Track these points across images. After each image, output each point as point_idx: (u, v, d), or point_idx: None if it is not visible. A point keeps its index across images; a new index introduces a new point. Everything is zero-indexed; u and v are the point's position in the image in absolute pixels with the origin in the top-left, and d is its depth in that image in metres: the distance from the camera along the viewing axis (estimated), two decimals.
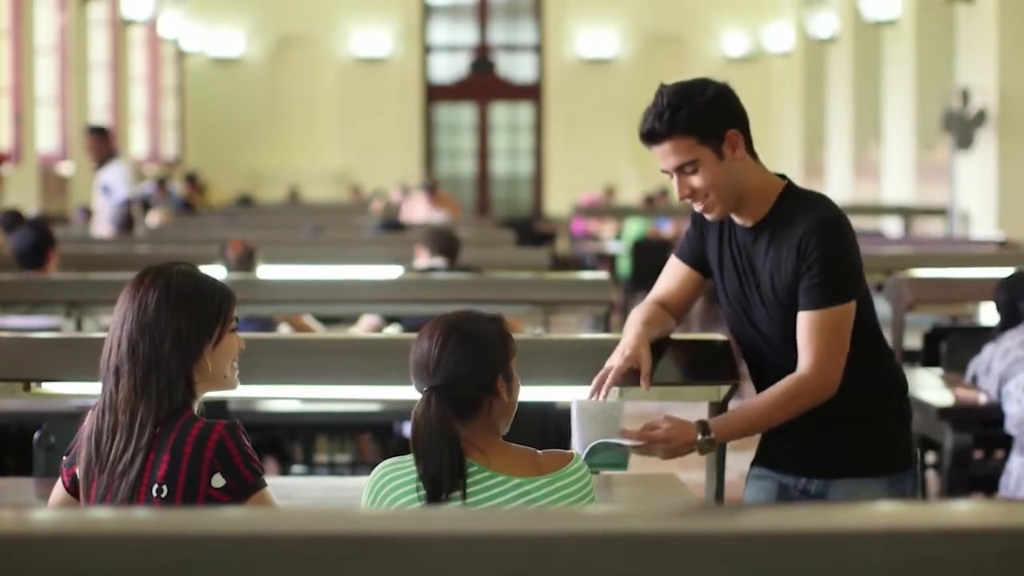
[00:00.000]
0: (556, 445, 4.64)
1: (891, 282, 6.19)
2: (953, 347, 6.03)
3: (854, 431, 3.37)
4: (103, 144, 11.51)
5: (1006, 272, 5.58)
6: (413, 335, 3.05)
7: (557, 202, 21.94)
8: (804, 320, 3.28)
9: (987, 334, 5.58)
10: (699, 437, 3.24)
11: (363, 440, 6.91)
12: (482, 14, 23.10)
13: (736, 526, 1.39)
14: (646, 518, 1.45)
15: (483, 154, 23.18)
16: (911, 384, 5.89)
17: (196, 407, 2.92)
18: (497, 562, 1.31)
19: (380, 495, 2.93)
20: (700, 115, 3.26)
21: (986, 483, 5.64)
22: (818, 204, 3.34)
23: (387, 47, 22.66)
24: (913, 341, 6.41)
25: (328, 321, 7.32)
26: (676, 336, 3.52)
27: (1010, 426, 5.20)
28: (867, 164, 17.93)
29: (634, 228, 14.85)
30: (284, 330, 6.54)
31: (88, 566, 1.31)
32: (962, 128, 13.43)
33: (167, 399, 2.87)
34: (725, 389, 3.51)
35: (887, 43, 16.83)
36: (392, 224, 10.50)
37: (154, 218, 12.92)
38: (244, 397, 4.56)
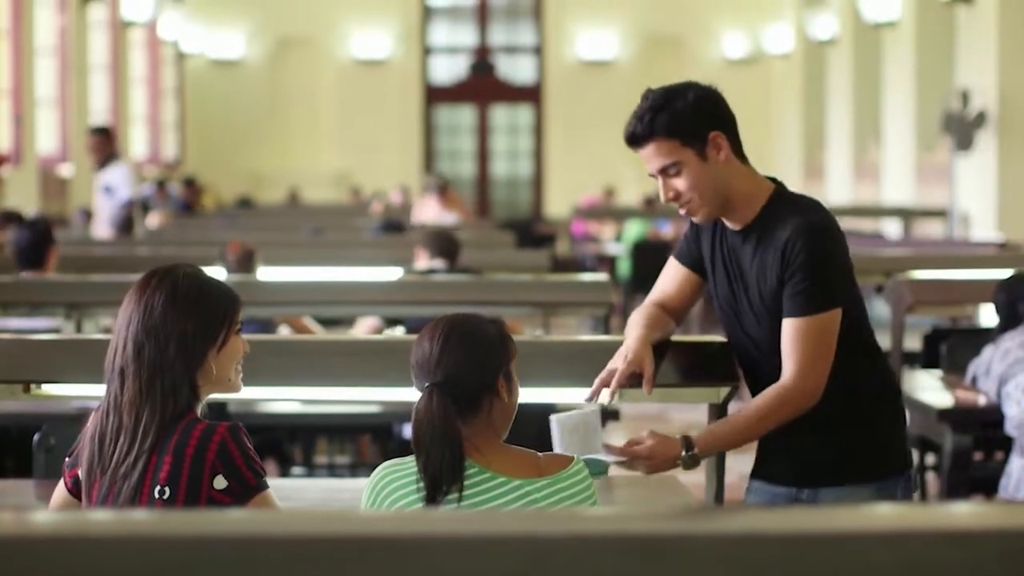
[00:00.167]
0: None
1: (891, 284, 6.19)
2: (953, 349, 6.03)
3: (846, 435, 3.37)
4: (106, 144, 11.52)
5: (1006, 274, 5.58)
6: (414, 337, 3.05)
7: (557, 204, 21.94)
8: (788, 327, 3.28)
9: (987, 336, 5.58)
10: (682, 453, 3.24)
11: (363, 442, 6.91)
12: (482, 16, 23.11)
13: (736, 528, 1.39)
14: (646, 520, 1.45)
15: (483, 156, 23.18)
16: (911, 386, 5.93)
17: (199, 410, 2.92)
18: (497, 563, 1.32)
19: (380, 496, 2.93)
20: (681, 117, 3.27)
21: (986, 485, 5.64)
22: (806, 209, 3.33)
23: (387, 49, 22.66)
24: (913, 343, 6.42)
25: (326, 323, 7.32)
26: (676, 338, 3.52)
27: (1010, 427, 5.20)
28: (867, 165, 17.93)
29: (634, 230, 14.85)
30: (284, 332, 6.55)
31: (88, 568, 1.31)
32: (962, 129, 13.43)
33: (171, 401, 2.87)
34: (725, 391, 3.51)
35: (887, 44, 16.84)
36: (392, 225, 10.49)
37: (154, 220, 12.93)
38: (244, 399, 4.56)
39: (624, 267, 14.51)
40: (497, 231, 12.31)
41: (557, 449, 3.20)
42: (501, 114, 23.19)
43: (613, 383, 3.32)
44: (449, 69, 23.23)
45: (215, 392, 2.97)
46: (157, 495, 2.83)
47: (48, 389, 3.65)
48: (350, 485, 4.55)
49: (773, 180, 3.42)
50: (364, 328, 6.90)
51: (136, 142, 20.29)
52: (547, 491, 2.90)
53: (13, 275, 6.56)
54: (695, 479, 3.76)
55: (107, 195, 11.39)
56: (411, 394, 2.99)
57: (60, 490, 3.00)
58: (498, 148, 23.25)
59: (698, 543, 1.34)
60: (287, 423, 5.99)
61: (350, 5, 22.58)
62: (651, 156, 3.31)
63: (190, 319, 2.89)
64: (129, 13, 18.32)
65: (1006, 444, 5.34)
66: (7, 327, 6.41)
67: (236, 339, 2.96)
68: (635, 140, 3.32)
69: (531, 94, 23.08)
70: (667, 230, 15.01)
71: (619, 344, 3.41)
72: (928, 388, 5.92)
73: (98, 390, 2.96)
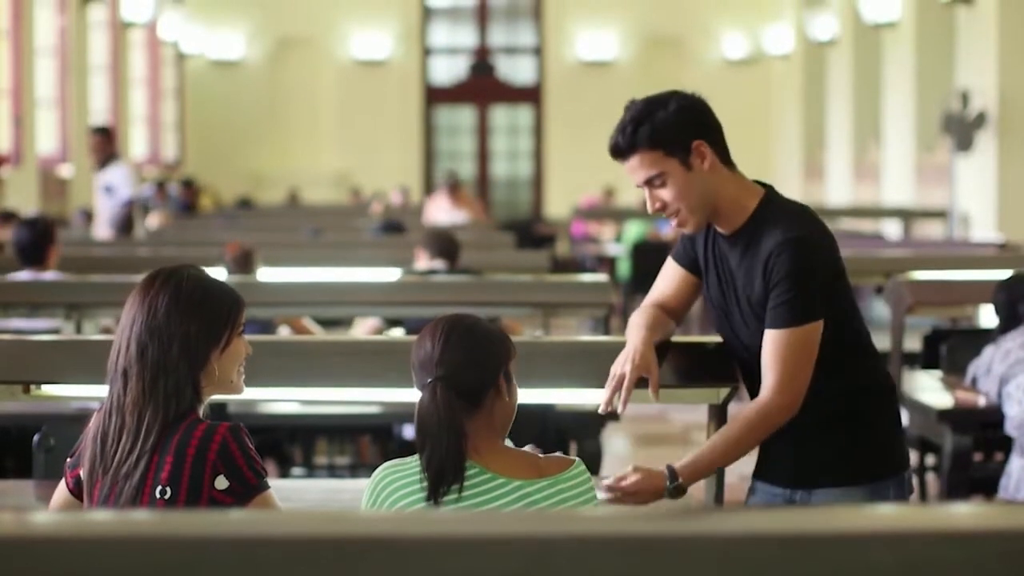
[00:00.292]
0: (556, 447, 4.65)
1: (891, 284, 6.19)
2: (953, 349, 6.03)
3: (845, 435, 3.37)
4: (106, 144, 11.53)
5: (1006, 274, 5.58)
6: (413, 337, 3.05)
7: (557, 204, 21.94)
8: (768, 339, 3.30)
9: (987, 336, 5.58)
10: (667, 485, 3.25)
11: (363, 442, 6.91)
12: (482, 16, 23.10)
13: (736, 528, 1.39)
14: (646, 520, 1.45)
15: (483, 156, 23.18)
16: (911, 387, 5.94)
17: (201, 411, 2.93)
18: (497, 564, 1.32)
19: (381, 497, 2.93)
20: (663, 128, 3.28)
21: (986, 485, 5.64)
22: (791, 219, 3.32)
23: (387, 49, 22.66)
24: (913, 343, 6.42)
25: (326, 324, 7.32)
26: (675, 338, 3.53)
27: (1010, 428, 5.20)
28: (867, 166, 17.93)
29: (634, 230, 14.85)
30: (284, 332, 6.55)
31: (88, 568, 1.31)
32: (962, 130, 13.43)
33: (174, 402, 2.87)
34: (725, 391, 3.51)
35: (887, 45, 16.83)
36: (392, 226, 10.50)
37: (154, 220, 12.93)
38: (244, 399, 4.56)
39: (624, 268, 14.51)
40: (497, 232, 12.31)
41: None
42: (501, 115, 23.19)
43: (624, 392, 3.32)
44: (449, 70, 23.23)
45: (217, 393, 2.98)
46: (158, 495, 2.83)
47: (48, 390, 3.65)
48: (350, 486, 4.55)
49: (763, 185, 3.42)
50: (364, 329, 6.90)
51: (136, 143, 20.29)
52: (547, 492, 2.90)
53: (14, 273, 6.57)
54: None
55: (107, 195, 11.39)
56: (411, 395, 3.00)
57: (61, 490, 3.00)
58: (498, 149, 23.25)
59: (698, 543, 1.35)
60: (287, 424, 5.99)
61: (350, 5, 22.58)
62: (635, 168, 3.32)
63: (194, 320, 2.90)
64: (129, 14, 18.32)
65: (1006, 444, 5.34)
66: (7, 327, 6.42)
67: (239, 341, 2.97)
68: (618, 153, 3.33)
69: (531, 95, 23.08)
70: (667, 231, 15.00)
71: (619, 345, 3.41)
72: (928, 389, 5.92)
73: (98, 391, 2.96)
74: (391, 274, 7.26)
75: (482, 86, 22.98)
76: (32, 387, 3.63)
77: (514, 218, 20.87)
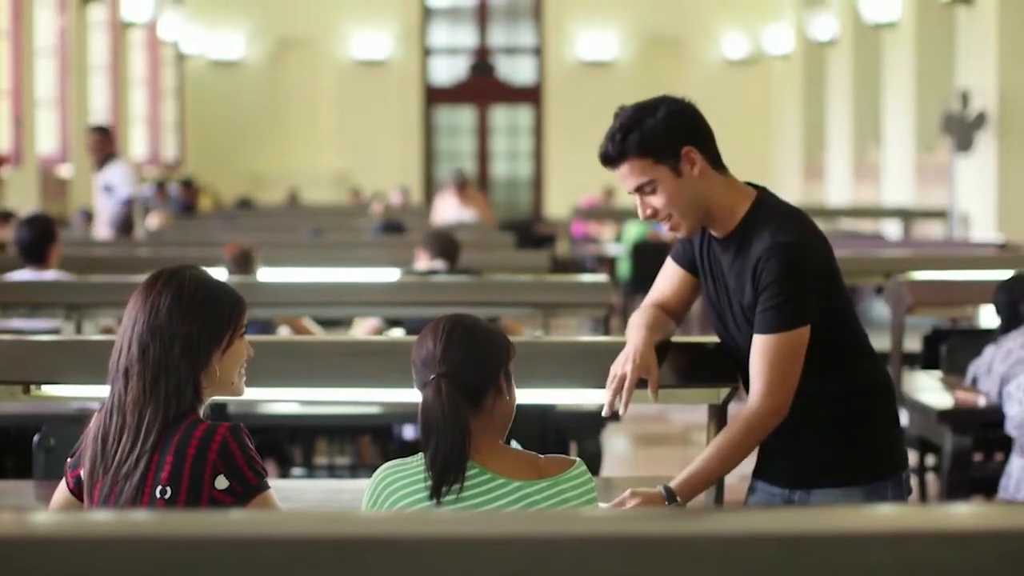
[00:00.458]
0: (556, 448, 4.66)
1: (891, 285, 6.19)
2: (953, 349, 6.04)
3: (843, 435, 3.37)
4: (105, 143, 11.53)
5: (1006, 274, 5.58)
6: (413, 337, 3.05)
7: (557, 205, 21.93)
8: (757, 343, 3.30)
9: (987, 337, 5.58)
10: (666, 506, 3.25)
11: (363, 443, 6.91)
12: (482, 16, 23.10)
13: (736, 529, 1.39)
14: (646, 520, 1.45)
15: (483, 157, 23.17)
16: (911, 387, 5.93)
17: (202, 411, 2.93)
18: (497, 564, 1.32)
19: (381, 497, 2.93)
20: (652, 136, 3.27)
21: (986, 485, 5.64)
22: (781, 223, 3.32)
23: (387, 49, 22.66)
24: (913, 344, 6.42)
25: (325, 324, 7.32)
26: (675, 338, 3.53)
27: (1010, 428, 5.20)
28: (867, 166, 17.93)
29: (633, 231, 14.85)
30: (284, 332, 6.55)
31: (88, 568, 1.31)
32: (962, 130, 13.43)
33: (175, 403, 2.87)
34: (725, 391, 3.52)
35: (887, 45, 16.83)
36: (392, 226, 10.49)
37: (154, 221, 12.93)
38: (244, 400, 4.57)
39: (624, 268, 14.51)
40: (497, 232, 12.31)
41: None
42: (501, 115, 23.19)
43: (625, 394, 3.32)
44: (449, 70, 23.23)
45: (218, 395, 2.98)
46: (159, 495, 2.83)
47: (48, 390, 3.65)
48: (350, 486, 4.55)
49: (756, 187, 3.41)
50: (364, 329, 6.90)
51: (136, 143, 20.29)
52: (547, 493, 2.90)
53: (14, 270, 6.58)
54: None
55: (107, 194, 11.39)
56: (411, 395, 3.00)
57: (62, 490, 3.00)
58: (498, 149, 23.25)
59: (698, 543, 1.35)
60: (287, 424, 5.99)
61: (350, 5, 22.58)
62: (625, 176, 3.32)
63: (195, 321, 2.90)
64: (129, 14, 18.31)
65: (1006, 445, 5.34)
66: (7, 327, 6.42)
67: (240, 342, 2.97)
68: (608, 160, 3.33)
69: (531, 95, 23.08)
70: (666, 231, 14.99)
71: (619, 345, 3.41)
72: (928, 389, 5.92)
73: (98, 391, 2.97)
74: (391, 274, 7.25)
75: (482, 86, 22.98)
76: (32, 387, 3.63)
77: (514, 218, 20.87)
